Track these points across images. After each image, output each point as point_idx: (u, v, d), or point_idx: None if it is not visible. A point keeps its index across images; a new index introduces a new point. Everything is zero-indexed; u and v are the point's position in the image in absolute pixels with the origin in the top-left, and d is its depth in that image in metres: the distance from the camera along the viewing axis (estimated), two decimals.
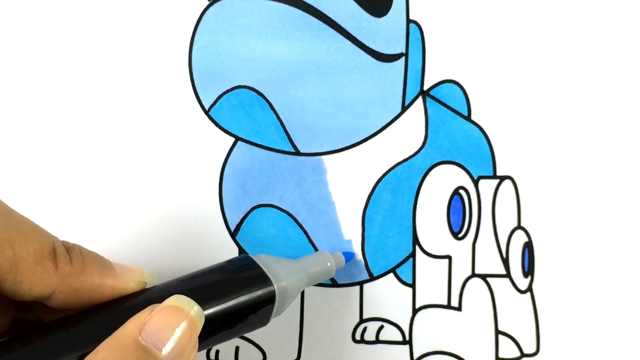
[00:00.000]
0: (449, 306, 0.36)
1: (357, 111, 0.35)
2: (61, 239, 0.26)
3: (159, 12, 0.35)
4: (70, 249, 0.26)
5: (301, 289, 0.32)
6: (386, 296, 0.36)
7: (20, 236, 0.24)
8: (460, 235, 0.35)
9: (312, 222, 0.36)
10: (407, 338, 0.36)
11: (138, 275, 0.27)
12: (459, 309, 0.35)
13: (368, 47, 0.35)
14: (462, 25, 0.35)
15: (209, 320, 0.26)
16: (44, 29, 0.36)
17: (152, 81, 0.35)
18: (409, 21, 0.35)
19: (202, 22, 0.35)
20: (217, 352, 0.36)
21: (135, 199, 0.36)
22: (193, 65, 0.35)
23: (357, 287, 0.36)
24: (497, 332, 0.36)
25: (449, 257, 0.35)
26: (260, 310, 0.29)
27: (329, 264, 0.33)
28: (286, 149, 0.35)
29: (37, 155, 0.36)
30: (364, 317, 0.36)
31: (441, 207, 0.35)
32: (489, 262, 0.35)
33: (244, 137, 0.35)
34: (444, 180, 0.35)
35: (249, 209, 0.36)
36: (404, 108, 0.35)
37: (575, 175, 0.35)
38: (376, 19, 0.35)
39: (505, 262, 0.35)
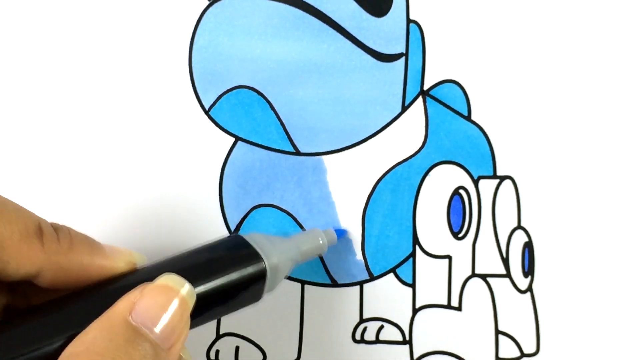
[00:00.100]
0: (449, 306, 0.36)
1: (357, 111, 0.35)
2: None
3: (159, 12, 0.35)
4: (58, 229, 0.25)
5: (293, 265, 0.32)
6: (386, 296, 0.36)
7: (3, 216, 0.24)
8: (460, 235, 0.35)
9: (312, 222, 0.36)
10: (407, 338, 0.36)
11: (127, 256, 0.27)
12: (459, 309, 0.35)
13: (368, 47, 0.35)
14: (462, 25, 0.35)
15: (200, 298, 0.26)
16: (44, 29, 0.36)
17: (152, 81, 0.35)
18: (409, 21, 0.35)
19: (202, 22, 0.35)
20: (217, 352, 0.36)
21: (136, 198, 0.36)
22: (193, 65, 0.35)
23: (357, 287, 0.36)
24: (497, 332, 0.36)
25: (449, 257, 0.35)
26: (252, 287, 0.29)
27: (320, 240, 0.33)
28: (286, 149, 0.35)
29: (38, 156, 0.36)
30: (364, 317, 0.36)
31: (441, 207, 0.35)
32: (489, 262, 0.35)
33: (244, 137, 0.35)
34: (444, 180, 0.35)
35: (249, 209, 0.36)
36: (404, 108, 0.35)
37: (575, 175, 0.35)
38: (376, 19, 0.35)
39: (505, 262, 0.35)
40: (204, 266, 0.27)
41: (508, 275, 0.35)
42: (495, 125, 0.35)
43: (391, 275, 0.36)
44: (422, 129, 0.35)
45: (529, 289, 0.35)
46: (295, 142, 0.35)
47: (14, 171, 0.36)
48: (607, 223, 0.35)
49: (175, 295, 0.24)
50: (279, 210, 0.36)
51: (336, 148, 0.35)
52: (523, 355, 0.35)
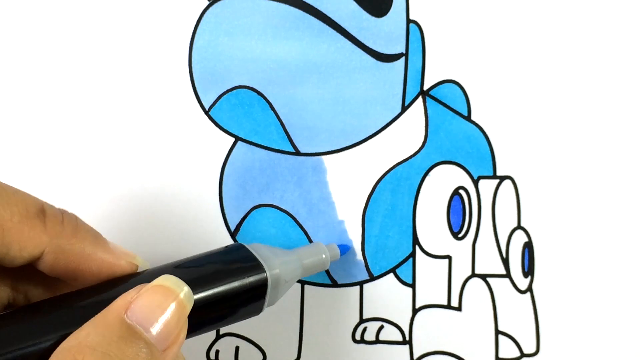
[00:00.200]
0: (449, 306, 0.36)
1: (357, 111, 0.35)
2: None
3: (159, 12, 0.35)
4: (64, 213, 0.25)
5: (295, 279, 0.31)
6: (386, 296, 0.36)
7: (2, 199, 0.24)
8: (460, 235, 0.35)
9: (312, 222, 0.36)
10: (407, 338, 0.36)
11: (130, 257, 0.27)
12: (459, 309, 0.35)
13: (368, 47, 0.35)
14: (462, 25, 0.35)
15: (200, 306, 0.26)
16: (44, 29, 0.36)
17: (152, 81, 0.35)
18: (409, 21, 0.35)
19: (202, 22, 0.35)
20: (217, 352, 0.36)
21: (136, 198, 0.36)
22: (193, 65, 0.35)
23: (357, 287, 0.36)
24: (497, 332, 0.36)
25: (449, 257, 0.35)
26: (252, 298, 0.29)
27: (323, 255, 0.33)
28: (286, 149, 0.35)
29: (38, 156, 0.36)
30: (364, 317, 0.36)
31: (441, 207, 0.35)
32: (489, 262, 0.35)
33: (244, 137, 0.35)
34: (444, 180, 0.35)
35: (249, 209, 0.36)
36: (404, 108, 0.35)
37: (575, 175, 0.35)
38: (376, 19, 0.35)
39: (505, 262, 0.35)
40: (204, 273, 0.27)
41: (508, 275, 0.35)
42: (495, 125, 0.35)
43: (391, 275, 0.36)
44: (422, 129, 0.35)
45: (529, 289, 0.35)
46: (295, 142, 0.35)
47: (13, 174, 0.36)
48: (607, 223, 0.35)
49: (172, 296, 0.24)
50: (278, 211, 0.36)
51: (336, 148, 0.35)
52: (523, 355, 0.35)
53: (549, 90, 0.35)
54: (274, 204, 0.36)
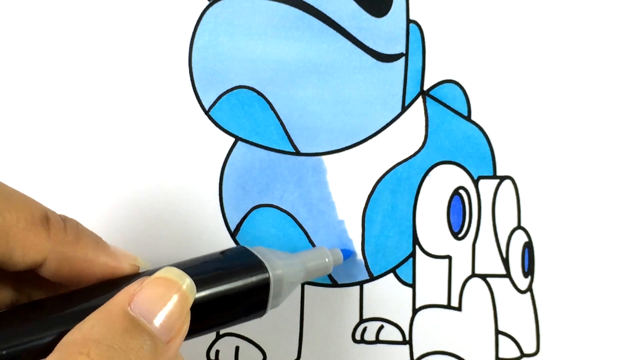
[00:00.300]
0: (449, 306, 0.36)
1: (357, 111, 0.35)
2: None
3: (159, 12, 0.35)
4: (66, 220, 0.26)
5: (298, 282, 0.31)
6: (386, 296, 0.36)
7: (9, 204, 0.24)
8: (460, 235, 0.35)
9: (312, 222, 0.36)
10: (407, 338, 0.36)
11: (131, 259, 0.27)
12: (459, 309, 0.36)
13: (368, 47, 0.35)
14: (462, 25, 0.35)
15: (202, 306, 0.26)
16: (44, 29, 0.36)
17: (152, 81, 0.35)
18: (409, 21, 0.35)
19: (202, 22, 0.35)
20: (217, 352, 0.36)
21: (136, 198, 0.36)
22: (193, 65, 0.35)
23: (357, 287, 0.36)
24: (497, 332, 0.36)
25: (449, 257, 0.35)
26: (255, 299, 0.29)
27: (327, 259, 0.33)
28: (286, 149, 0.35)
29: (38, 157, 0.36)
30: (364, 317, 0.36)
31: (441, 207, 0.35)
32: (489, 262, 0.35)
33: (244, 137, 0.35)
34: (444, 180, 0.35)
35: (249, 209, 0.36)
36: (404, 108, 0.35)
37: (575, 175, 0.35)
38: (376, 19, 0.35)
39: (505, 262, 0.35)
40: (207, 273, 0.27)
41: (508, 275, 0.35)
42: (495, 125, 0.35)
43: (391, 275, 0.36)
44: (422, 129, 0.35)
45: (529, 289, 0.35)
46: (295, 142, 0.35)
47: (14, 176, 0.36)
48: (607, 223, 0.35)
49: (175, 288, 0.24)
50: (279, 211, 0.36)
51: (336, 148, 0.35)
52: (523, 355, 0.35)
53: (549, 90, 0.35)
54: (274, 204, 0.36)
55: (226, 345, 0.36)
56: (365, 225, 0.35)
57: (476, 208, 0.35)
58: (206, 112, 0.35)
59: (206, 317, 0.27)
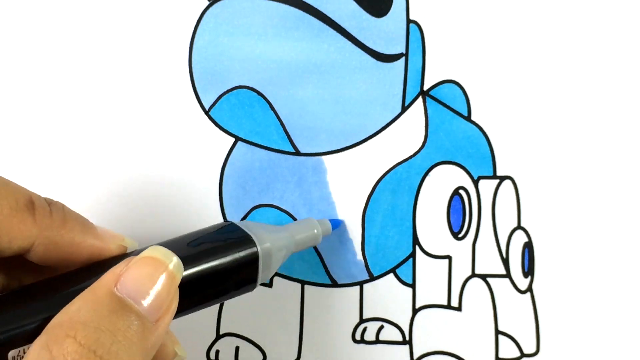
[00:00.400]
0: (449, 306, 0.36)
1: (357, 111, 0.35)
2: None
3: (159, 12, 0.35)
4: (51, 204, 0.25)
5: (287, 254, 0.31)
6: (386, 296, 0.36)
7: None
8: (460, 235, 0.35)
9: None
10: (407, 338, 0.36)
11: (119, 239, 0.27)
12: (459, 309, 0.36)
13: (368, 47, 0.35)
14: (462, 25, 0.35)
15: (191, 283, 0.26)
16: (44, 29, 0.36)
17: (152, 81, 0.35)
18: (409, 21, 0.35)
19: (202, 22, 0.35)
20: (217, 352, 0.36)
21: (136, 198, 0.36)
22: (193, 65, 0.35)
23: (357, 287, 0.36)
24: (497, 332, 0.36)
25: (449, 257, 0.35)
26: (245, 273, 0.28)
27: (315, 230, 0.33)
28: (286, 149, 0.35)
29: (38, 157, 0.36)
30: (364, 317, 0.36)
31: (441, 207, 0.35)
32: (489, 262, 0.35)
33: (244, 137, 0.35)
34: (444, 180, 0.35)
35: (249, 209, 0.36)
36: (404, 108, 0.35)
37: (575, 175, 0.35)
38: (376, 19, 0.35)
39: (505, 262, 0.35)
40: (195, 249, 0.27)
41: (508, 275, 0.35)
42: (495, 125, 0.35)
43: (391, 275, 0.36)
44: (422, 129, 0.35)
45: (529, 289, 0.35)
46: (295, 142, 0.35)
47: (15, 173, 0.36)
48: (607, 223, 0.35)
49: (162, 267, 0.24)
50: (279, 211, 0.36)
51: (336, 148, 0.35)
52: (523, 355, 0.35)
53: (549, 90, 0.35)
54: (274, 204, 0.36)
55: (226, 345, 0.36)
56: (365, 225, 0.35)
57: (476, 208, 0.35)
58: (206, 112, 0.35)
59: (196, 294, 0.27)
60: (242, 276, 0.29)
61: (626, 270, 0.35)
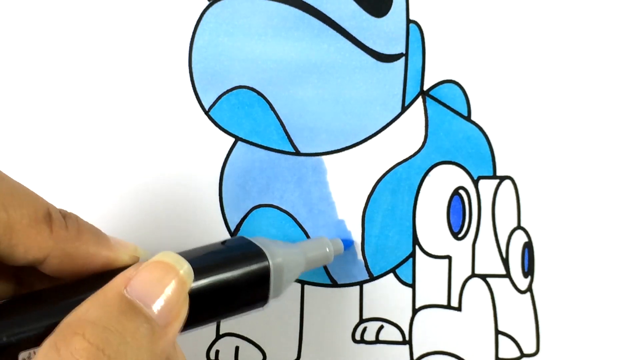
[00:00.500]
0: (449, 306, 0.36)
1: (357, 111, 0.35)
2: None
3: (159, 12, 0.35)
4: (66, 216, 0.25)
5: (299, 271, 0.31)
6: (386, 296, 0.36)
7: (14, 199, 0.23)
8: (460, 235, 0.35)
9: (312, 222, 0.36)
10: (407, 338, 0.36)
11: (132, 250, 0.27)
12: (459, 309, 0.36)
13: (368, 47, 0.35)
14: (462, 25, 0.35)
15: (202, 295, 0.26)
16: (44, 29, 0.36)
17: (152, 81, 0.35)
18: (409, 21, 0.35)
19: (202, 22, 0.35)
20: (217, 352, 0.36)
21: (135, 199, 0.36)
22: (193, 65, 0.35)
23: (357, 287, 0.36)
24: (497, 332, 0.36)
25: (449, 257, 0.35)
26: (256, 288, 0.28)
27: (327, 249, 0.33)
28: (286, 149, 0.35)
29: (38, 157, 0.36)
30: (364, 317, 0.36)
31: (441, 207, 0.35)
32: (489, 262, 0.35)
33: (244, 137, 0.35)
34: (444, 181, 0.35)
35: (249, 209, 0.36)
36: (404, 108, 0.35)
37: (575, 175, 0.35)
38: (376, 19, 0.35)
39: (505, 262, 0.35)
40: (206, 262, 0.27)
41: (508, 275, 0.35)
42: (495, 125, 0.35)
43: (391, 275, 0.36)
44: (422, 129, 0.35)
45: (529, 289, 0.35)
46: (295, 142, 0.35)
47: (16, 173, 0.36)
48: (607, 223, 0.35)
49: (173, 272, 0.24)
50: (279, 211, 0.36)
51: (336, 148, 0.35)
52: (523, 355, 0.35)
53: (549, 90, 0.35)
54: (274, 204, 0.36)
55: (226, 345, 0.36)
56: (365, 225, 0.35)
57: (476, 208, 0.35)
58: (206, 112, 0.35)
59: (207, 308, 0.27)
60: (253, 290, 0.28)
61: (626, 270, 0.35)
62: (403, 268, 0.36)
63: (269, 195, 0.36)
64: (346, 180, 0.35)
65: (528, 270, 0.35)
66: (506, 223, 0.35)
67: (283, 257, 0.29)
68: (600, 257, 0.35)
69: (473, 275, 0.35)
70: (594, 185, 0.35)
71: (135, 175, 0.36)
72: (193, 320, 0.25)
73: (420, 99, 0.35)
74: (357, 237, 0.36)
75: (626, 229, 0.35)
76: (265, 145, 0.35)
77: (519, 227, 0.35)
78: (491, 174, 0.35)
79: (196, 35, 0.35)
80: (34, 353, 0.23)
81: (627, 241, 0.35)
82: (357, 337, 0.36)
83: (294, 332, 0.36)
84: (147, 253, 0.27)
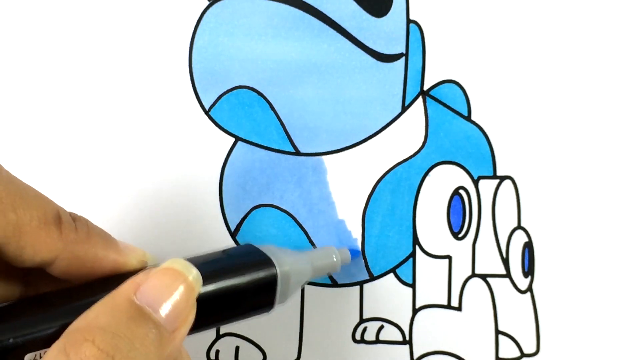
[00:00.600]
0: (449, 306, 0.36)
1: (357, 111, 0.35)
2: None
3: (159, 12, 0.35)
4: (76, 219, 0.25)
5: (305, 279, 0.31)
6: (386, 296, 0.36)
7: (24, 201, 0.23)
8: (460, 235, 0.35)
9: (312, 222, 0.36)
10: (407, 338, 0.36)
11: (140, 255, 0.27)
12: (459, 309, 0.36)
13: (368, 47, 0.35)
14: (462, 25, 0.35)
15: (209, 301, 0.26)
16: (44, 29, 0.36)
17: (152, 81, 0.35)
18: (409, 21, 0.35)
19: (202, 22, 0.35)
20: (217, 352, 0.36)
21: (136, 199, 0.36)
22: (193, 65, 0.35)
23: (357, 287, 0.36)
24: (497, 332, 0.36)
25: (449, 257, 0.35)
26: (262, 294, 0.29)
27: (334, 259, 0.33)
28: (286, 149, 0.35)
29: (38, 157, 0.36)
30: (364, 317, 0.36)
31: (441, 207, 0.35)
32: (489, 262, 0.35)
33: (244, 137, 0.35)
34: (444, 180, 0.35)
35: (249, 209, 0.36)
36: (404, 108, 0.35)
37: (575, 175, 0.35)
38: (376, 19, 0.35)
39: (505, 262, 0.35)
40: (214, 267, 0.27)
41: (508, 275, 0.35)
42: (495, 125, 0.35)
43: (391, 275, 0.36)
44: (422, 129, 0.35)
45: (529, 289, 0.35)
46: (295, 142, 0.35)
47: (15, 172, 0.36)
48: (607, 223, 0.35)
49: (181, 278, 0.24)
50: (279, 211, 0.36)
51: (336, 148, 0.35)
52: (523, 355, 0.35)
53: (549, 90, 0.35)
54: (274, 204, 0.36)
55: (226, 345, 0.36)
56: (365, 225, 0.35)
57: (476, 208, 0.35)
58: (206, 112, 0.35)
59: (213, 313, 0.27)
60: (260, 297, 0.29)
61: (626, 270, 0.35)
62: (403, 268, 0.36)
63: (269, 195, 0.36)
64: (346, 180, 0.35)
65: (528, 270, 0.35)
66: (506, 223, 0.35)
67: (290, 265, 0.30)
68: (600, 257, 0.35)
69: (473, 275, 0.35)
70: (594, 185, 0.35)
71: (135, 175, 0.36)
72: (198, 325, 0.25)
73: (420, 99, 0.35)
74: (357, 237, 0.36)
75: (626, 228, 0.35)
76: (265, 145, 0.35)
77: (519, 227, 0.35)
78: (491, 174, 0.35)
79: (196, 35, 0.35)
80: (41, 356, 0.23)
81: (627, 241, 0.35)
82: (357, 337, 0.36)
83: (294, 332, 0.36)
84: (155, 258, 0.27)
